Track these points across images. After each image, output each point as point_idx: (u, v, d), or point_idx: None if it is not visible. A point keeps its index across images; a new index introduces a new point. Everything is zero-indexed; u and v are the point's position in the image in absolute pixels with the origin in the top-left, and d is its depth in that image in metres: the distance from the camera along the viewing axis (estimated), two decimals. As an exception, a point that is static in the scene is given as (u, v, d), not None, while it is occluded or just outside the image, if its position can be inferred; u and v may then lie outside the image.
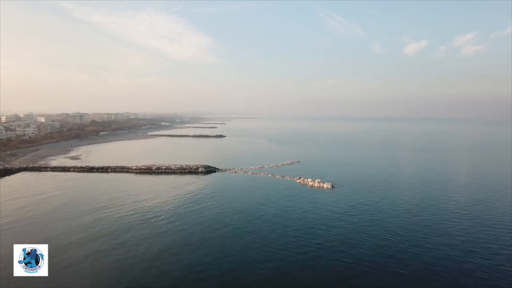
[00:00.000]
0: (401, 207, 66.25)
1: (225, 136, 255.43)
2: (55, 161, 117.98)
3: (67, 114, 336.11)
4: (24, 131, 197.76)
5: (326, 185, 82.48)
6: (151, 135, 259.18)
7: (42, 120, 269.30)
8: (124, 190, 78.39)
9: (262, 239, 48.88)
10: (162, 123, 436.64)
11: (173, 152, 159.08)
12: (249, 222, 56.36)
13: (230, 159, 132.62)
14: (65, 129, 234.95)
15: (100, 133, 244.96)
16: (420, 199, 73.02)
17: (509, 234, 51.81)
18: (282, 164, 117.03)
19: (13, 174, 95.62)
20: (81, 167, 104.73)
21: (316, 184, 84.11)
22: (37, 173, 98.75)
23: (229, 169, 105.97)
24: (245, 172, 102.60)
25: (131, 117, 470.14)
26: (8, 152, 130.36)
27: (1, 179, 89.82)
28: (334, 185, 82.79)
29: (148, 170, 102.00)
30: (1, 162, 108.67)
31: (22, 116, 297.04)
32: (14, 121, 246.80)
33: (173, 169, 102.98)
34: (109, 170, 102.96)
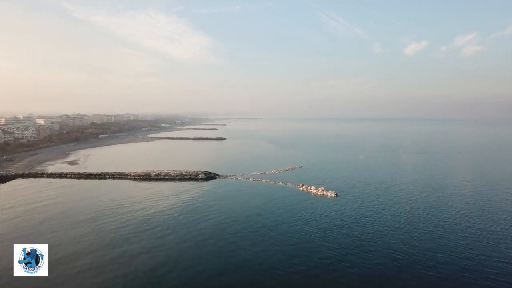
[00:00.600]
0: (405, 218, 63.82)
1: (225, 139, 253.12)
2: (53, 167, 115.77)
3: (67, 116, 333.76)
4: (23, 134, 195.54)
5: (330, 194, 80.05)
6: (151, 137, 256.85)
7: (42, 122, 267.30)
8: (121, 198, 76.05)
9: (260, 255, 46.57)
10: (162, 124, 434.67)
11: (173, 156, 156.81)
12: (247, 236, 54.05)
13: (230, 163, 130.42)
14: (64, 132, 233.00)
15: (100, 136, 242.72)
16: (424, 209, 70.35)
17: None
18: (284, 170, 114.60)
19: (8, 181, 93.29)
20: (79, 174, 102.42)
21: (319, 192, 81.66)
22: (33, 179, 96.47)
23: (230, 175, 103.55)
24: (246, 178, 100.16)
25: (131, 118, 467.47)
26: (5, 157, 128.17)
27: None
28: (338, 193, 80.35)
29: (147, 177, 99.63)
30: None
31: (22, 118, 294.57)
32: (13, 124, 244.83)
33: (173, 176, 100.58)
34: (107, 176, 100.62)
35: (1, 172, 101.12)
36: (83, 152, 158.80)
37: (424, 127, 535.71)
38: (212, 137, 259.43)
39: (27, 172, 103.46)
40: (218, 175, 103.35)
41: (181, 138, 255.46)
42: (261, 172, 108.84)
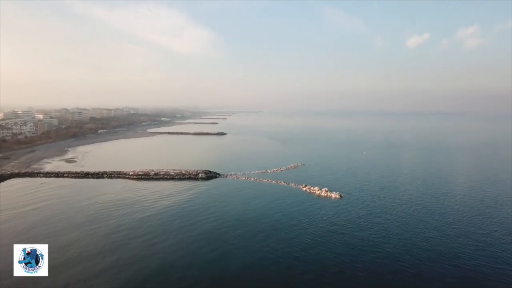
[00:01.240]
0: (412, 221, 61.11)
1: (226, 134, 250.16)
2: (50, 165, 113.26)
3: (66, 110, 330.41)
4: (21, 129, 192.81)
5: (334, 195, 77.40)
6: (151, 132, 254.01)
7: (40, 116, 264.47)
8: (117, 199, 73.51)
9: (259, 264, 44.12)
10: (163, 118, 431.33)
11: (172, 152, 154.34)
12: (247, 241, 51.64)
13: (231, 161, 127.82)
14: (63, 127, 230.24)
15: (99, 131, 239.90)
16: (430, 214, 67.65)
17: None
18: (286, 168, 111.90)
19: (3, 181, 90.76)
20: (76, 173, 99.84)
21: (323, 194, 79.03)
22: (28, 179, 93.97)
23: (231, 174, 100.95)
24: (247, 177, 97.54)
25: (131, 112, 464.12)
26: (1, 154, 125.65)
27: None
28: (342, 195, 77.70)
29: (145, 176, 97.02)
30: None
31: (20, 112, 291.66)
32: (11, 118, 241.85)
33: (172, 175, 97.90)
34: (105, 176, 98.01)
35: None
36: (81, 148, 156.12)
37: (426, 122, 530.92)
38: (213, 132, 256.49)
39: (23, 171, 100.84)
40: (218, 174, 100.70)
41: (181, 133, 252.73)
42: (263, 171, 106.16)
